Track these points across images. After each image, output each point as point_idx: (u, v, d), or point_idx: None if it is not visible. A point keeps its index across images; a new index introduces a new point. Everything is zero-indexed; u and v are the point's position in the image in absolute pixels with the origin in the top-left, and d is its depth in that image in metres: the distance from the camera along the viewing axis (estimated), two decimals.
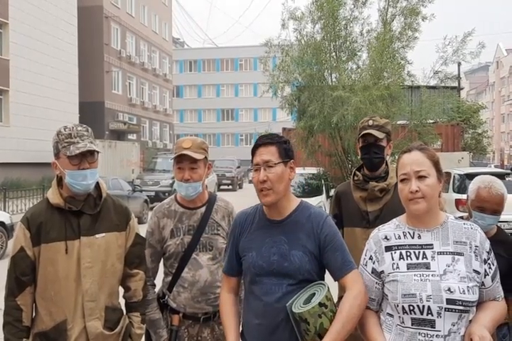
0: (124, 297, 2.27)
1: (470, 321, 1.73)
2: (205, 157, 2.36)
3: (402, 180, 1.80)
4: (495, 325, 1.80)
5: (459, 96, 23.64)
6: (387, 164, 2.66)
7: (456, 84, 20.70)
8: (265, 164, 1.87)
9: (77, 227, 2.05)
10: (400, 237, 1.82)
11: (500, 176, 8.62)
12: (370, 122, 2.61)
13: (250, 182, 33.65)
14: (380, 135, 2.59)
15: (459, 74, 23.31)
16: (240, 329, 1.98)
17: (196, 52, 52.66)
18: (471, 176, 9.90)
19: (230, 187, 27.40)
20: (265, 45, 10.56)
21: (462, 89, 28.38)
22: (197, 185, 2.32)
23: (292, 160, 1.95)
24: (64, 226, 2.03)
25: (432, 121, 11.04)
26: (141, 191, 14.84)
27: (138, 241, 2.24)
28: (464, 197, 9.45)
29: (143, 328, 2.25)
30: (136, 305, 2.24)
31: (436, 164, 1.81)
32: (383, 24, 10.20)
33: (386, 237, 1.84)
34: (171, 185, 17.31)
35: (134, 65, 31.30)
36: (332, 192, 11.00)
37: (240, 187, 28.95)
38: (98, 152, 2.08)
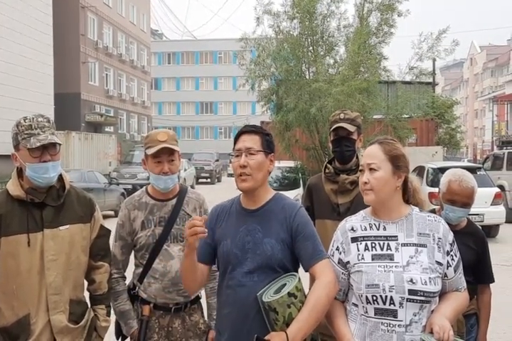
0: (88, 289, 2.24)
1: (432, 311, 1.77)
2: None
3: (360, 171, 1.89)
4: (456, 315, 1.85)
5: (434, 91, 23.99)
6: (357, 157, 2.70)
7: (431, 79, 20.99)
8: (247, 150, 1.91)
9: (40, 219, 2.01)
10: (365, 229, 1.86)
11: (472, 170, 8.81)
12: (342, 115, 2.64)
13: (229, 175, 33.73)
14: (351, 128, 2.62)
15: (434, 70, 23.62)
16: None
17: (175, 44, 52.07)
18: (444, 170, 10.03)
19: (209, 180, 27.32)
20: (240, 40, 10.51)
21: (437, 84, 28.82)
22: (174, 177, 2.35)
23: (273, 154, 1.99)
24: (26, 219, 1.99)
25: (407, 116, 11.19)
26: (117, 184, 14.72)
27: (103, 233, 2.21)
28: (437, 190, 9.63)
29: (108, 321, 2.23)
30: (102, 298, 2.21)
31: (392, 158, 1.82)
32: (360, 19, 10.27)
33: (352, 228, 1.88)
34: (149, 177, 17.13)
35: (111, 56, 30.79)
36: None
37: (219, 181, 28.89)
38: (60, 144, 2.04)
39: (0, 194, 2.08)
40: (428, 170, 10.52)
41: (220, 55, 50.94)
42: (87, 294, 2.24)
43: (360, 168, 1.87)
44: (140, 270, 2.38)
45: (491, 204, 9.63)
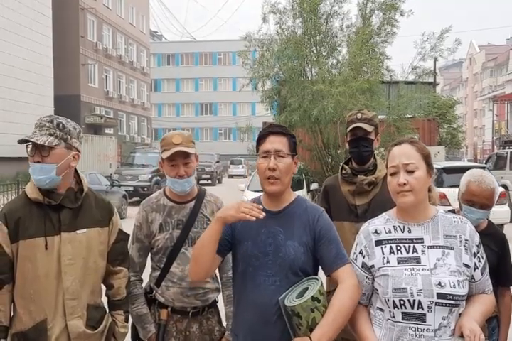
0: (106, 295, 2.20)
1: (460, 315, 1.73)
2: (195, 150, 2.34)
3: (391, 173, 1.80)
4: (484, 318, 1.82)
5: (435, 91, 23.98)
6: (375, 157, 2.66)
7: (432, 79, 20.97)
8: (276, 153, 1.86)
9: (57, 222, 1.97)
10: (390, 231, 1.82)
11: None
12: (359, 115, 2.60)
13: (230, 176, 33.71)
14: (369, 128, 2.58)
15: (434, 69, 23.61)
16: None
17: (174, 45, 52.09)
18: (448, 170, 10.09)
19: (209, 181, 27.28)
20: (245, 39, 10.52)
21: (438, 84, 28.81)
22: (191, 179, 2.32)
23: (297, 155, 1.96)
24: (43, 222, 1.95)
25: (409, 116, 11.19)
26: (119, 186, 14.64)
27: (121, 237, 2.17)
28: (441, 190, 9.63)
29: (127, 327, 2.19)
30: (120, 303, 2.18)
31: (426, 158, 1.80)
32: (362, 19, 10.27)
33: (376, 231, 1.84)
34: (150, 179, 17.12)
35: (110, 58, 30.77)
36: (313, 187, 11.08)
37: (220, 182, 28.86)
38: (48, 146, 1.93)
39: (18, 197, 2.06)
40: None
41: (220, 56, 50.95)
42: (105, 299, 2.20)
43: (392, 169, 1.79)
44: (157, 273, 2.34)
45: (496, 204, 9.55)
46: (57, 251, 1.96)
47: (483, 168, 10.69)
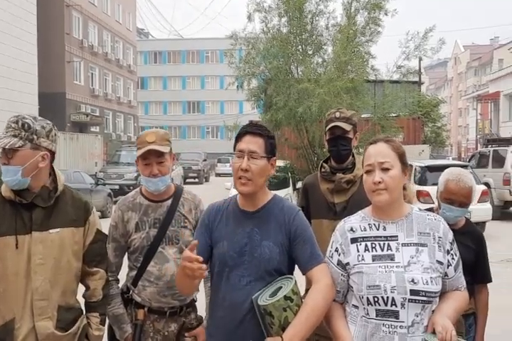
0: (83, 296, 2.17)
1: (433, 311, 1.75)
2: (170, 148, 2.31)
3: (366, 171, 1.81)
4: (457, 314, 1.84)
5: (420, 90, 24.20)
6: (353, 156, 2.68)
7: (417, 78, 21.15)
8: (250, 154, 1.84)
9: (28, 221, 1.94)
10: (365, 229, 1.83)
11: None
12: (337, 114, 2.61)
13: (217, 175, 33.63)
14: (347, 127, 2.59)
15: (420, 68, 23.82)
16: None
17: (161, 43, 51.76)
18: (431, 168, 10.22)
19: (197, 180, 27.22)
20: (231, 38, 10.49)
21: (423, 83, 29.09)
22: (166, 178, 2.28)
23: (275, 158, 1.93)
24: (15, 220, 1.92)
25: (394, 115, 11.26)
26: (104, 184, 14.53)
27: (99, 238, 2.14)
28: (425, 188, 9.73)
29: (102, 330, 2.15)
30: (95, 305, 2.14)
31: (401, 156, 1.82)
32: (347, 18, 10.30)
33: (352, 229, 1.85)
34: (136, 178, 17.02)
35: (96, 55, 30.48)
36: (299, 185, 11.10)
37: (207, 181, 28.79)
38: (10, 149, 1.90)
39: None
40: (416, 168, 10.58)
41: (207, 54, 50.76)
42: (82, 300, 2.17)
43: (367, 167, 1.80)
44: (134, 273, 2.32)
45: (478, 202, 9.71)
46: (28, 251, 1.93)
47: (466, 166, 10.83)
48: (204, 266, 1.66)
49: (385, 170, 1.77)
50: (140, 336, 2.25)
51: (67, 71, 26.87)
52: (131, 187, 16.43)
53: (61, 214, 2.01)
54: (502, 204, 12.50)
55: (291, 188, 11.12)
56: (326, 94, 8.98)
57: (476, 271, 2.44)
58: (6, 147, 1.90)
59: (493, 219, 10.33)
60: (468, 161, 15.18)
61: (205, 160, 29.66)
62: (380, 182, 1.75)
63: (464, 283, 1.88)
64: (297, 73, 10.44)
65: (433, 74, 77.39)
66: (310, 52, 10.43)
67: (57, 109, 25.00)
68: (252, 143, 1.86)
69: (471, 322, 2.54)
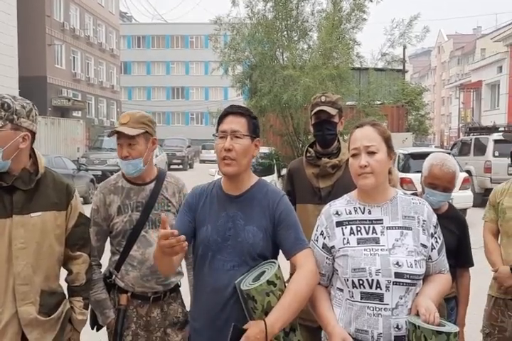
0: (66, 280, 2.13)
1: (417, 294, 1.77)
2: (147, 131, 2.24)
3: (352, 155, 1.81)
4: (440, 297, 1.86)
5: (404, 78, 24.29)
6: (339, 140, 2.67)
7: (401, 67, 21.20)
8: (233, 133, 1.82)
9: (9, 204, 1.88)
10: (350, 212, 1.83)
11: None
12: (323, 98, 2.59)
13: (202, 161, 33.48)
14: (332, 111, 2.58)
15: (404, 57, 23.86)
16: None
17: (145, 27, 50.91)
18: (414, 156, 10.32)
19: (181, 166, 27.03)
20: (215, 23, 10.34)
21: (407, 72, 29.21)
22: (136, 161, 2.22)
23: (258, 138, 1.92)
24: None
25: (379, 102, 11.29)
26: (86, 170, 14.37)
27: (82, 221, 2.09)
28: (408, 175, 9.83)
29: (85, 314, 2.12)
30: (79, 290, 2.11)
31: (387, 140, 1.82)
32: (333, 4, 10.22)
33: (337, 212, 1.85)
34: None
35: (78, 39, 29.85)
36: (283, 172, 11.12)
37: (191, 167, 28.65)
38: None
39: None
40: (399, 155, 10.67)
41: (192, 40, 50.09)
42: (65, 285, 2.13)
43: (354, 151, 1.79)
44: (117, 257, 2.29)
45: (460, 189, 9.84)
46: (9, 235, 1.87)
47: (448, 154, 10.96)
48: (183, 236, 1.61)
49: (371, 153, 1.76)
50: (123, 321, 2.23)
51: (48, 54, 26.29)
52: (114, 173, 16.29)
53: (42, 198, 1.96)
54: (483, 192, 12.68)
55: (275, 175, 11.14)
56: (311, 81, 8.94)
57: (459, 255, 2.47)
58: None
59: (474, 206, 10.48)
60: (451, 149, 15.36)
61: (189, 146, 29.47)
62: (366, 166, 1.75)
63: (447, 266, 1.90)
64: (282, 59, 10.37)
65: (417, 63, 77.78)
66: (295, 38, 10.35)
67: (37, 93, 24.47)
68: (235, 123, 1.84)
69: (452, 305, 2.59)
